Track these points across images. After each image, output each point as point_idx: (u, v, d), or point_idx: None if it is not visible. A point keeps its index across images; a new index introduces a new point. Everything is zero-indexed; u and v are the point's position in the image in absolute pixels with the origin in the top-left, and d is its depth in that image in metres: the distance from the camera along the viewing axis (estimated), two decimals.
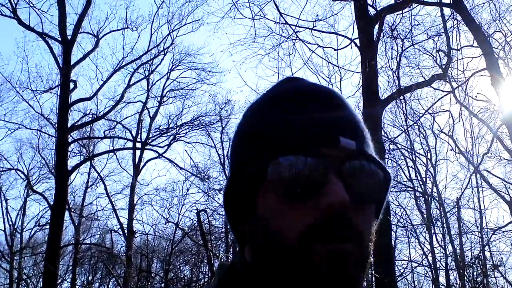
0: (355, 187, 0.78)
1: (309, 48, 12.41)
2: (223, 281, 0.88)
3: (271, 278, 0.80)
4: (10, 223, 26.37)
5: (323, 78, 15.26)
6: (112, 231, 22.54)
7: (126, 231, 21.35)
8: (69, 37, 17.16)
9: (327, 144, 0.80)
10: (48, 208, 18.34)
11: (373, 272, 8.06)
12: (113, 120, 21.04)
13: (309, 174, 0.78)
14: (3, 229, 26.25)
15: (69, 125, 16.92)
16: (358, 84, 12.06)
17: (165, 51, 21.38)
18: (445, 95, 15.76)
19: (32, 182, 23.73)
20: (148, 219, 35.66)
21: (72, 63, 17.26)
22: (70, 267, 25.64)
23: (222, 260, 0.91)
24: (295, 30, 11.92)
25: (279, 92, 0.91)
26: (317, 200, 0.77)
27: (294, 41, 12.59)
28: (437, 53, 14.79)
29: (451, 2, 10.79)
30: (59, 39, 17.27)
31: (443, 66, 13.14)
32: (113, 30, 20.14)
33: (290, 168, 0.78)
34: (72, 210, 24.06)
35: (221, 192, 21.00)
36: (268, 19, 12.59)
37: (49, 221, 17.91)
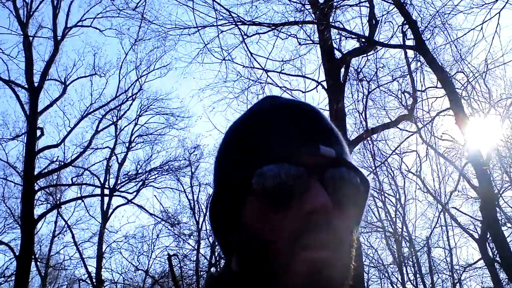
0: (336, 193, 0.80)
1: (279, 90, 12.53)
2: None
3: (257, 285, 0.81)
4: None
5: None
6: (80, 281, 21.98)
7: (94, 280, 20.84)
8: (36, 84, 17.05)
9: (308, 152, 0.82)
10: (14, 259, 17.84)
11: None
12: (81, 167, 20.81)
13: (292, 181, 0.80)
14: None
15: (35, 173, 16.66)
16: None
17: (134, 96, 21.41)
18: (411, 135, 15.99)
19: None
20: (117, 267, 34.84)
21: (39, 110, 17.09)
22: None
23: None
24: (266, 71, 12.05)
25: (260, 107, 0.94)
26: (301, 206, 0.79)
27: (262, 84, 12.72)
28: (402, 94, 15.05)
29: (414, 44, 11.08)
30: (26, 86, 17.15)
31: (409, 107, 13.37)
32: (81, 77, 20.18)
33: (274, 177, 0.80)
34: (39, 260, 23.44)
35: (192, 237, 20.79)
36: (237, 63, 12.70)
37: (14, 272, 17.41)
